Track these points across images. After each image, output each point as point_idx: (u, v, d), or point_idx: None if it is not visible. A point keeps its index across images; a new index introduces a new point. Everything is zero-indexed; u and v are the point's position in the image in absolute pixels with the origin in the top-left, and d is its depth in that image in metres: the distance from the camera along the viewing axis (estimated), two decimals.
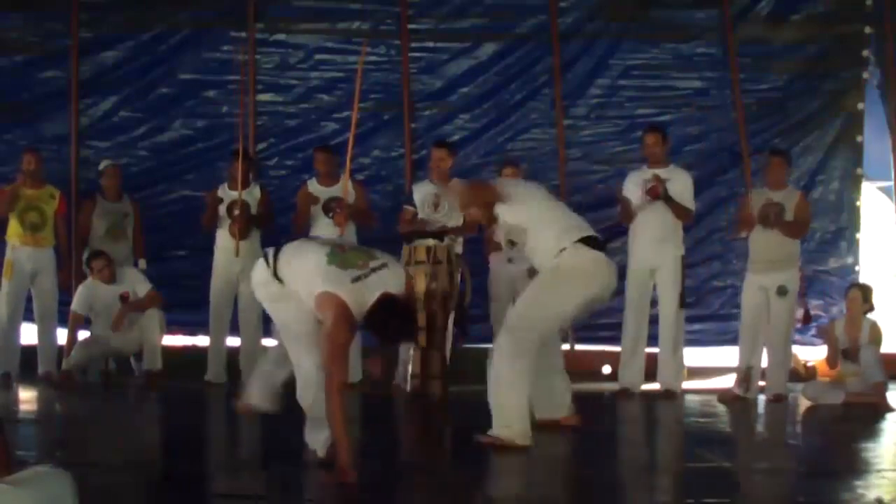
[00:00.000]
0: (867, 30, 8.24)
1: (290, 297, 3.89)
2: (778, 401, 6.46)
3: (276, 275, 3.91)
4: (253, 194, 7.23)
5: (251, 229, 7.12)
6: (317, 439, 3.97)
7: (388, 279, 3.76)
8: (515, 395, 4.46)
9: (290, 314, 3.94)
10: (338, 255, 3.82)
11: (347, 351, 3.79)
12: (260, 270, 4.01)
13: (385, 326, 3.71)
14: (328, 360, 3.69)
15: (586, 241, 4.60)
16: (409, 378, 6.39)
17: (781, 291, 6.50)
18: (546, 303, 4.59)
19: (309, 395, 3.96)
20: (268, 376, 4.27)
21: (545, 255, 4.62)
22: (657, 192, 6.59)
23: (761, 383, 6.65)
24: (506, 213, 4.72)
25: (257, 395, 4.27)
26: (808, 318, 6.94)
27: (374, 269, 3.76)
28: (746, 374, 6.58)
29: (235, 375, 7.14)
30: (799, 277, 6.68)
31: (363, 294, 3.69)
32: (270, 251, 4.01)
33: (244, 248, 7.03)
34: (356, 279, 3.71)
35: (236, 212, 7.03)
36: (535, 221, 4.69)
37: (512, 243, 6.43)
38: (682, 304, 6.77)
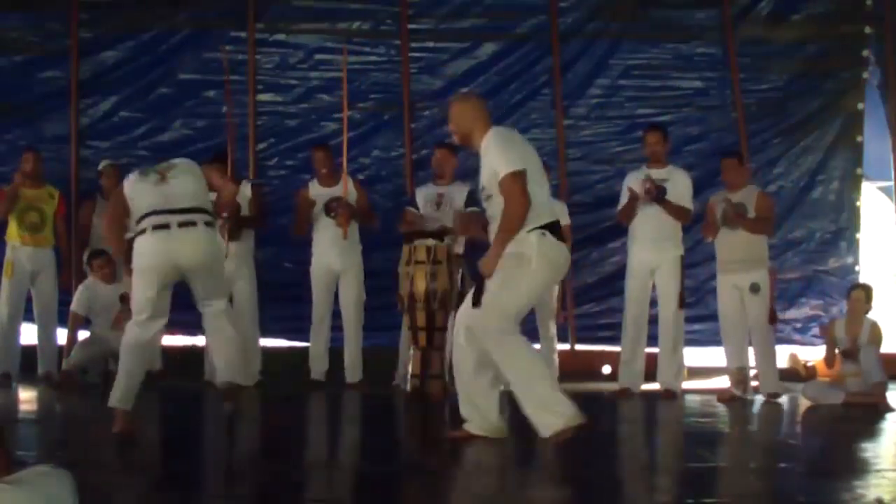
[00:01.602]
0: (867, 30, 8.26)
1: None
2: (775, 398, 6.46)
3: None
4: (244, 194, 7.11)
5: (240, 231, 7.02)
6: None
7: None
8: (545, 380, 4.29)
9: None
10: None
11: None
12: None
13: None
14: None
15: (550, 226, 4.34)
16: (409, 378, 6.39)
17: (754, 288, 6.53)
18: (521, 290, 4.30)
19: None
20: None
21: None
22: (652, 194, 6.60)
23: (755, 383, 6.65)
24: (489, 160, 4.37)
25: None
26: (773, 318, 6.91)
27: None
28: (740, 375, 6.60)
29: None
30: (768, 276, 6.70)
31: None
32: None
33: (235, 249, 6.93)
34: None
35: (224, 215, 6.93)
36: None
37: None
38: (682, 304, 6.77)
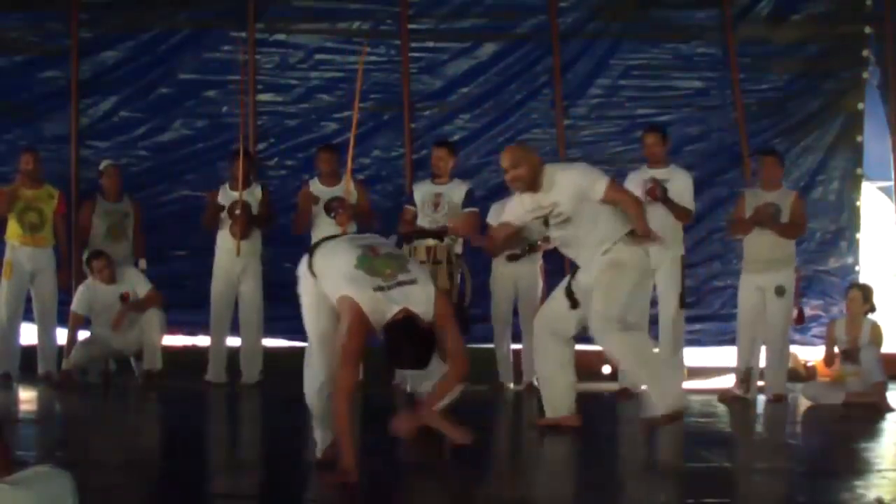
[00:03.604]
0: (867, 30, 8.24)
1: (318, 292, 3.86)
2: (778, 401, 6.46)
3: (311, 268, 3.88)
4: (254, 194, 7.23)
5: (252, 229, 7.13)
6: (320, 438, 3.96)
7: (412, 296, 3.60)
8: (658, 365, 4.88)
9: (311, 310, 3.92)
10: (368, 259, 3.71)
11: (358, 358, 3.69)
12: (302, 262, 3.99)
13: (397, 348, 3.58)
14: (337, 365, 3.66)
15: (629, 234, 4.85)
16: (409, 378, 6.38)
17: (779, 291, 6.51)
18: (622, 295, 4.78)
19: (313, 393, 3.95)
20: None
21: (594, 248, 4.80)
22: (655, 195, 6.60)
23: (760, 383, 6.65)
24: (566, 197, 4.76)
25: None
26: (801, 318, 6.92)
27: (400, 283, 3.61)
28: (746, 375, 6.58)
29: (235, 375, 7.15)
30: (795, 277, 6.69)
31: (385, 305, 3.56)
32: (315, 244, 4.01)
33: (245, 247, 7.05)
34: (378, 288, 3.58)
35: (237, 212, 7.03)
36: (591, 212, 4.77)
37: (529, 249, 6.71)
38: (682, 304, 6.77)
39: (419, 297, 3.62)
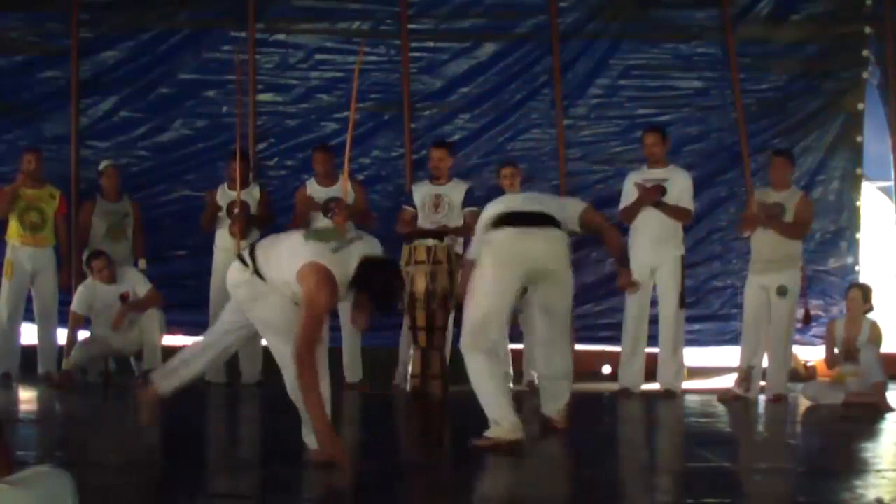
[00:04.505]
0: (867, 30, 8.24)
1: (273, 292, 3.94)
2: (778, 401, 6.46)
3: (256, 272, 3.96)
4: (252, 194, 7.24)
5: (251, 229, 7.12)
6: (314, 439, 3.96)
7: (366, 248, 3.94)
8: (491, 393, 4.47)
9: (274, 310, 3.97)
10: (314, 233, 4.07)
11: (324, 314, 3.84)
12: (236, 271, 4.06)
13: (372, 283, 3.83)
14: (304, 323, 3.72)
15: (503, 221, 4.65)
16: (409, 378, 6.39)
17: (781, 292, 6.50)
18: (477, 297, 4.58)
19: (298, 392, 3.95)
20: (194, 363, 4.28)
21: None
22: (654, 197, 6.62)
23: (762, 383, 6.65)
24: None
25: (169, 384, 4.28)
26: (808, 318, 6.94)
27: (351, 241, 3.95)
28: (747, 374, 6.59)
29: (235, 375, 7.16)
30: (800, 277, 6.68)
31: (345, 262, 3.83)
32: (246, 251, 4.11)
33: (244, 247, 7.05)
34: (337, 249, 3.85)
35: (236, 211, 7.03)
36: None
37: None
38: (682, 304, 6.77)
39: (370, 248, 3.96)
